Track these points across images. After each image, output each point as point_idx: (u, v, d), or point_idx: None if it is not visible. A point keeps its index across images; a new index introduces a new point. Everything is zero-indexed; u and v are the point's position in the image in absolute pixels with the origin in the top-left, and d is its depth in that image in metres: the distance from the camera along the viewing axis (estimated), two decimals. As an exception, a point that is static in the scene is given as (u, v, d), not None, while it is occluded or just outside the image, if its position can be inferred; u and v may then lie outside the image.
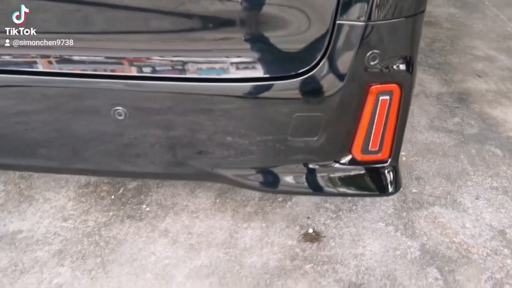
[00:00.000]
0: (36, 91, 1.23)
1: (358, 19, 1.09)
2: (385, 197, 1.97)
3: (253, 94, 1.19)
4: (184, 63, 1.18)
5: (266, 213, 1.87)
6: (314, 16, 1.10)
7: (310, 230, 1.80)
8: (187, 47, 1.17)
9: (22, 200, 1.92)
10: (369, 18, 1.08)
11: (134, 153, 1.33)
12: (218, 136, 1.27)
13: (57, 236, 1.75)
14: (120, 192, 1.97)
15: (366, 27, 1.09)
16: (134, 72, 1.18)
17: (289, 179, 1.36)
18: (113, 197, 1.94)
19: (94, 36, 1.18)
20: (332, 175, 1.34)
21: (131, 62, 1.19)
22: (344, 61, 1.13)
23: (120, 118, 1.24)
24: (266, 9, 1.11)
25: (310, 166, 1.33)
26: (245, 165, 1.33)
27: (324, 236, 1.78)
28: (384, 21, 1.09)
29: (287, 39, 1.14)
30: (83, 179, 2.04)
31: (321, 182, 1.36)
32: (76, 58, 1.19)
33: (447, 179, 2.07)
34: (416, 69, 1.20)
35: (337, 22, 1.10)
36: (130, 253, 1.69)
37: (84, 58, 1.20)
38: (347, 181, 1.35)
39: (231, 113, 1.22)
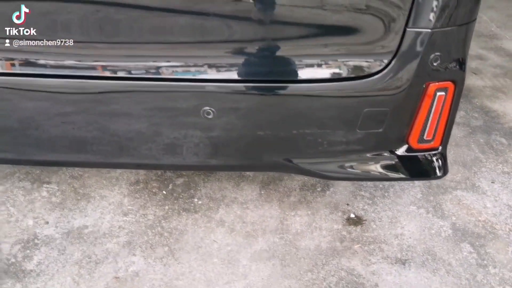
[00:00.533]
0: (139, 95, 1.38)
1: (425, 27, 1.28)
2: (411, 184, 2.19)
3: (331, 93, 1.37)
4: (273, 67, 1.35)
5: (309, 202, 2.05)
6: (387, 25, 1.29)
7: (352, 215, 1.99)
8: (276, 54, 1.34)
9: (79, 198, 2.03)
10: (434, 26, 1.28)
11: (218, 148, 1.49)
12: (295, 130, 1.44)
13: (122, 229, 1.88)
14: (170, 188, 2.11)
15: (431, 33, 1.29)
16: (226, 75, 1.34)
17: (353, 167, 1.55)
18: (164, 192, 2.08)
19: (192, 45, 1.34)
20: (390, 162, 1.53)
21: (223, 67, 1.35)
22: (411, 62, 1.33)
23: (209, 117, 1.40)
24: (348, 18, 1.28)
25: (372, 154, 1.52)
26: (315, 155, 1.51)
27: (365, 220, 1.97)
28: (445, 28, 1.29)
29: (364, 44, 1.32)
30: (132, 177, 2.17)
31: (380, 168, 1.55)
32: (177, 65, 1.35)
33: (464, 166, 2.30)
34: (466, 68, 1.41)
35: (407, 29, 1.29)
36: (193, 242, 1.83)
37: (184, 64, 1.35)
38: (402, 167, 1.54)
39: (310, 110, 1.39)
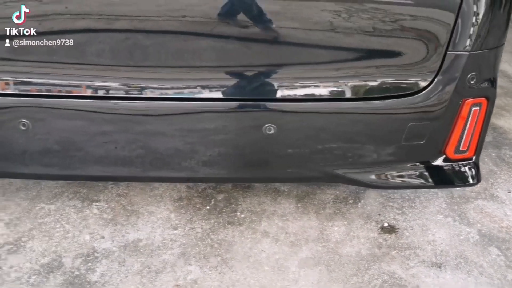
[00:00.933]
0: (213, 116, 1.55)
1: (463, 50, 1.48)
2: (435, 195, 2.36)
3: (381, 109, 1.55)
4: (333, 87, 1.53)
5: (343, 213, 2.20)
6: (431, 49, 1.48)
7: (385, 224, 2.14)
8: (336, 75, 1.52)
9: (129, 214, 2.16)
10: (471, 49, 1.47)
11: (275, 161, 1.64)
12: (347, 144, 1.61)
13: (174, 242, 2.00)
14: (212, 203, 2.25)
15: (468, 55, 1.48)
16: (288, 95, 1.52)
17: (396, 176, 1.71)
18: (208, 207, 2.22)
19: (258, 69, 1.51)
20: (428, 172, 1.71)
21: (288, 87, 1.53)
22: (451, 81, 1.51)
23: (270, 132, 1.56)
24: (400, 44, 1.48)
25: (413, 164, 1.69)
26: (362, 166, 1.68)
27: (398, 228, 2.12)
28: (480, 51, 1.49)
29: (411, 66, 1.51)
30: (174, 194, 2.31)
31: (420, 177, 1.71)
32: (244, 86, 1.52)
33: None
34: (497, 86, 1.60)
35: (448, 52, 1.48)
36: (243, 252, 1.96)
37: (252, 85, 1.52)
38: (440, 175, 1.71)
39: (362, 125, 1.56)
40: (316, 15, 1.43)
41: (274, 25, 1.45)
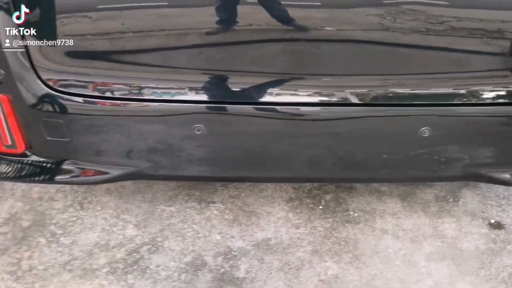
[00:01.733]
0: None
1: None
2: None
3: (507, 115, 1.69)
4: (485, 93, 1.66)
5: (449, 211, 2.33)
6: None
7: (492, 221, 2.27)
8: (489, 82, 1.65)
9: (248, 215, 2.25)
10: None
11: (425, 161, 1.76)
12: (492, 145, 1.74)
13: (302, 240, 2.10)
14: (323, 203, 2.35)
15: None
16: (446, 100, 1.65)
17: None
18: (320, 207, 2.32)
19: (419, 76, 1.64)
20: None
21: (444, 92, 1.65)
22: None
23: (425, 135, 1.68)
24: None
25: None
26: (504, 166, 1.81)
27: (505, 224, 2.25)
28: None
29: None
30: (284, 194, 2.40)
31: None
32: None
33: None
34: None
35: None
36: (370, 248, 2.07)
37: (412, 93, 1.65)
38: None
39: (494, 127, 1.70)
40: (478, 30, 1.56)
41: (436, 35, 1.57)
